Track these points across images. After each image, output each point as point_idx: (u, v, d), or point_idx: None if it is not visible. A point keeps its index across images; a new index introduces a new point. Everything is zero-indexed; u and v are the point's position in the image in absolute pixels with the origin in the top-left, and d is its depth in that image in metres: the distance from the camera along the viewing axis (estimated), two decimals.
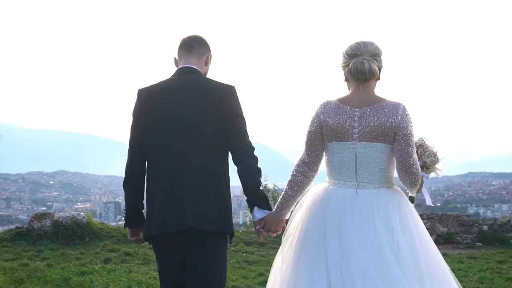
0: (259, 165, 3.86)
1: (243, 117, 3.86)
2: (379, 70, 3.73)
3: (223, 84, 3.86)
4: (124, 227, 4.08)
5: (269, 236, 3.96)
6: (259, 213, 3.82)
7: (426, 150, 3.98)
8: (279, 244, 3.96)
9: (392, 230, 3.53)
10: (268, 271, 4.46)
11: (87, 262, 8.96)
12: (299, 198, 3.86)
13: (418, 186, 3.73)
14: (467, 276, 8.58)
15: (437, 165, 4.03)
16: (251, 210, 3.85)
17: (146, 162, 3.87)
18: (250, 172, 3.79)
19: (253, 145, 3.87)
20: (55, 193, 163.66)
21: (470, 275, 8.67)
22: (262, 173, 3.91)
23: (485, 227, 12.68)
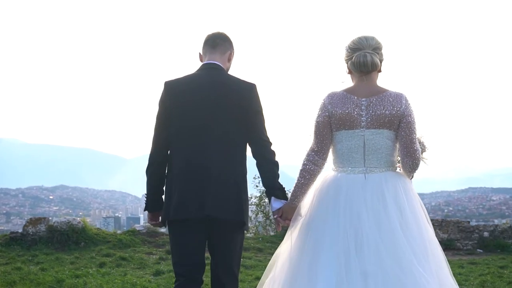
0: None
1: (262, 113, 4.13)
2: (380, 62, 3.98)
3: (245, 81, 4.12)
4: (144, 210, 4.27)
5: (286, 224, 4.10)
6: (276, 203, 4.06)
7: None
8: (276, 249, 4.15)
9: (401, 209, 3.76)
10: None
11: (82, 266, 8.82)
12: (311, 186, 4.04)
13: (416, 172, 4.00)
14: (468, 280, 8.44)
15: (424, 154, 4.20)
16: (269, 201, 4.11)
17: (169, 151, 4.11)
18: (268, 165, 4.08)
19: (271, 140, 4.15)
20: (54, 208, 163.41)
21: (471, 279, 8.52)
22: (279, 167, 4.14)
23: (486, 234, 12.54)
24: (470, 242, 12.35)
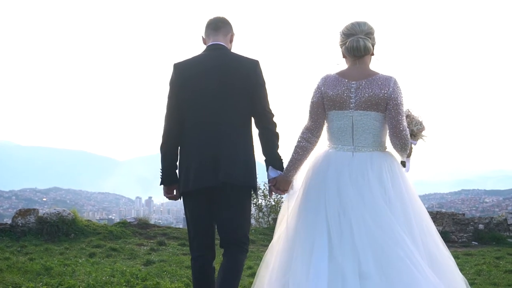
0: None
1: (265, 87, 4.46)
2: (373, 47, 4.21)
3: (249, 58, 4.45)
4: (160, 184, 4.59)
5: (278, 194, 4.53)
6: (272, 173, 4.43)
7: (413, 119, 4.44)
8: (269, 241, 4.49)
9: (385, 186, 4.03)
10: (257, 264, 5.08)
11: (71, 256, 8.68)
12: (304, 161, 4.35)
13: (408, 151, 4.22)
14: (464, 270, 8.32)
15: (423, 133, 4.46)
16: (267, 169, 4.46)
17: (181, 127, 4.43)
18: (269, 135, 4.44)
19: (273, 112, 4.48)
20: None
21: (467, 269, 8.43)
22: (280, 138, 4.50)
23: (481, 226, 12.46)
24: (465, 235, 12.25)
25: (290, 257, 4.09)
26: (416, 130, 4.42)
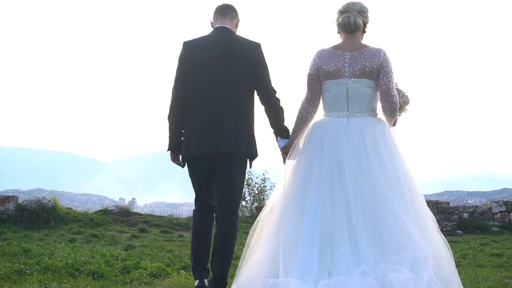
0: None
1: (267, 67, 4.92)
2: (364, 24, 4.69)
3: (252, 41, 4.94)
4: (167, 150, 5.09)
5: (288, 158, 4.83)
6: (281, 142, 4.97)
7: (400, 92, 4.87)
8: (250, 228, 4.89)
9: (378, 149, 4.42)
10: (240, 250, 5.49)
11: (51, 241, 8.49)
12: (305, 129, 4.79)
13: (396, 117, 4.68)
14: None
15: (407, 106, 4.95)
16: (276, 139, 5.00)
17: (187, 100, 4.88)
18: (274, 110, 4.94)
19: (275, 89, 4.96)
20: None
21: (452, 253, 8.33)
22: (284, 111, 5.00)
23: (465, 215, 12.41)
24: (450, 223, 12.20)
25: (283, 219, 4.46)
26: (401, 102, 4.85)
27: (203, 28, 5.44)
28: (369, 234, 4.11)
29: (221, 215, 4.86)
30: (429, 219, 4.42)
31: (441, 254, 4.23)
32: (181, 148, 4.99)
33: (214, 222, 5.00)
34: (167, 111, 4.99)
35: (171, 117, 4.96)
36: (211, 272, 4.94)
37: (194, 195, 5.06)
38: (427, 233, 4.26)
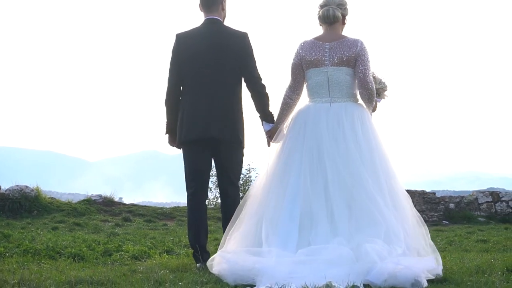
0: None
1: (254, 56, 5.28)
2: (343, 16, 5.09)
3: (239, 31, 5.30)
4: (165, 134, 5.47)
5: (273, 142, 5.22)
6: (267, 126, 5.34)
7: (376, 79, 5.19)
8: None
9: (356, 132, 4.82)
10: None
11: (33, 229, 8.38)
12: (289, 115, 5.18)
13: (374, 103, 5.05)
14: (435, 241, 8.13)
15: (385, 92, 5.28)
16: (262, 123, 5.37)
17: (181, 87, 5.29)
18: (259, 96, 5.30)
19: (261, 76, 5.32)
20: None
21: (438, 240, 8.31)
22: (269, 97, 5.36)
23: (451, 205, 12.39)
24: (436, 214, 12.18)
25: (266, 196, 4.83)
26: (380, 89, 5.21)
27: (192, 20, 5.78)
28: (345, 209, 4.56)
29: (223, 188, 5.34)
30: (403, 199, 4.81)
31: (415, 230, 4.66)
32: (176, 132, 5.33)
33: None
34: (163, 98, 5.38)
35: (167, 104, 5.36)
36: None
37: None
38: (401, 211, 4.68)
